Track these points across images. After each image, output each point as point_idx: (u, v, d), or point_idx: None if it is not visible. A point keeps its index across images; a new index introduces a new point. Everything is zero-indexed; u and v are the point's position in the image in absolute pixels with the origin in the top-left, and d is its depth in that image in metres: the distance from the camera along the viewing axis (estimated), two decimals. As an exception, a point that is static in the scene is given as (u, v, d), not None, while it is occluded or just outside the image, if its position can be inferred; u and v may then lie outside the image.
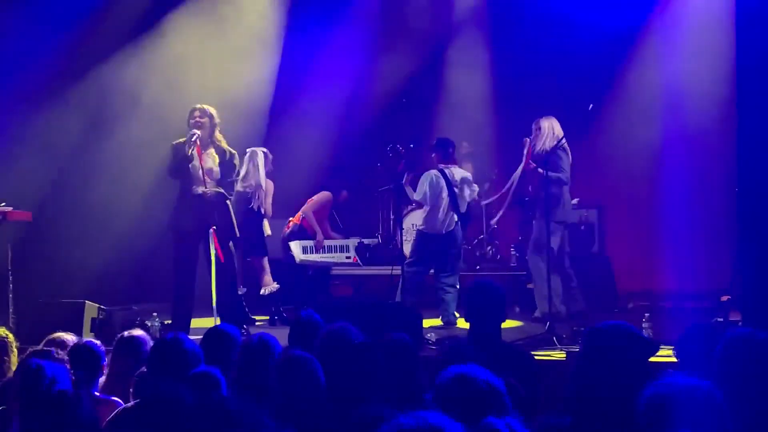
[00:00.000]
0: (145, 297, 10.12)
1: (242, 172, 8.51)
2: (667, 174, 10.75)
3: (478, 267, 10.18)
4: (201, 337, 4.67)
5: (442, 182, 8.22)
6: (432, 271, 8.47)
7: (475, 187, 8.63)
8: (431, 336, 7.31)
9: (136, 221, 10.40)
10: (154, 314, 7.92)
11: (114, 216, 10.32)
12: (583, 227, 9.53)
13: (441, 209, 8.27)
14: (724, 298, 7.42)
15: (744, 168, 6.83)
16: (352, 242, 9.74)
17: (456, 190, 8.26)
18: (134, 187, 10.27)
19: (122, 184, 10.30)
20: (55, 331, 4.99)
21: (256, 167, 8.58)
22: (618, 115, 10.91)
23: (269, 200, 8.75)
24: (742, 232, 6.96)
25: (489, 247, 10.55)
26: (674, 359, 4.39)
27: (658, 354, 5.95)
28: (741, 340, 3.56)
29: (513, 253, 10.15)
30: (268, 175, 8.79)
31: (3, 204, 8.18)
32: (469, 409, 2.83)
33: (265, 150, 8.79)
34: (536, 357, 5.31)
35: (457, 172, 8.42)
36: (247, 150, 8.66)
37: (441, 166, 8.35)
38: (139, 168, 10.29)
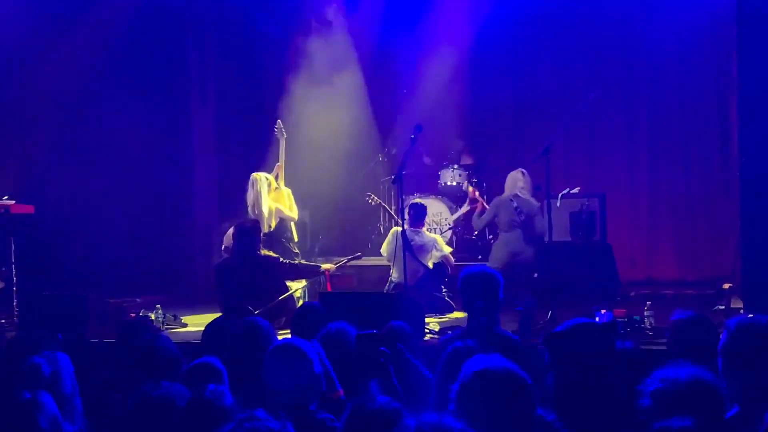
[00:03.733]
0: (148, 289, 10.16)
1: (248, 200, 8.64)
2: (669, 162, 10.77)
3: (480, 257, 10.18)
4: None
5: (400, 242, 8.36)
6: None
7: (444, 250, 8.77)
8: (433, 325, 7.35)
9: (140, 214, 10.43)
10: (158, 306, 7.95)
11: (117, 209, 10.35)
12: (584, 216, 9.51)
13: (400, 264, 8.27)
14: (726, 286, 7.42)
15: (746, 155, 6.84)
16: None
17: (414, 251, 8.52)
18: (138, 179, 10.30)
19: (126, 177, 10.32)
20: (59, 323, 5.00)
21: (258, 194, 8.61)
22: (620, 103, 10.91)
23: (288, 211, 8.81)
24: (744, 219, 6.96)
25: (490, 237, 10.55)
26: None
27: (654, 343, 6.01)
28: (747, 327, 3.58)
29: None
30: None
31: (5, 198, 8.21)
32: (496, 403, 2.80)
33: (267, 175, 8.76)
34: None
35: (420, 236, 8.72)
36: (251, 176, 8.70)
37: (405, 227, 8.52)
38: (141, 161, 10.33)
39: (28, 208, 8.50)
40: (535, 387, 2.86)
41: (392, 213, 9.82)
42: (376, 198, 9.84)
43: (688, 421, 2.69)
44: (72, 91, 10.16)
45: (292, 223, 8.90)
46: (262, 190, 8.63)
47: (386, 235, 10.66)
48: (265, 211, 8.59)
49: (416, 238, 8.71)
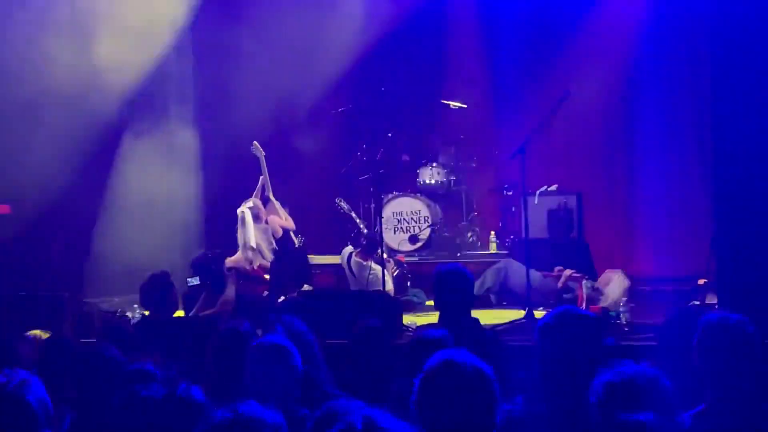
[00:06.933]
0: (126, 289, 10.10)
1: (239, 238, 8.48)
2: (645, 158, 10.82)
3: (459, 254, 10.21)
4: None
5: (344, 262, 8.98)
6: None
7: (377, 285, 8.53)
8: (411, 324, 7.36)
9: (118, 212, 10.39)
10: (135, 306, 7.92)
11: (95, 207, 10.31)
12: (562, 213, 9.58)
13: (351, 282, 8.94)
14: (701, 282, 7.49)
15: (720, 153, 6.89)
16: None
17: (354, 275, 8.90)
18: (115, 177, 10.26)
19: (103, 175, 10.28)
20: (36, 324, 4.98)
21: (247, 230, 8.53)
22: (596, 100, 10.96)
23: (285, 222, 8.81)
24: (718, 216, 7.02)
25: (470, 234, 10.59)
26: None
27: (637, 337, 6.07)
28: (716, 323, 3.63)
29: (493, 240, 10.18)
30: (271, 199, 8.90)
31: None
32: (457, 396, 2.81)
33: (251, 205, 8.66)
34: (512, 342, 5.37)
35: (362, 270, 8.81)
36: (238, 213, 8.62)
37: (356, 252, 8.95)
38: (119, 159, 10.29)
39: (4, 208, 8.46)
40: (496, 381, 2.87)
41: (359, 222, 9.80)
42: (345, 205, 9.81)
43: (644, 417, 2.72)
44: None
45: (291, 233, 8.91)
46: (248, 223, 8.48)
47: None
48: (253, 243, 8.48)
49: (357, 270, 8.77)
